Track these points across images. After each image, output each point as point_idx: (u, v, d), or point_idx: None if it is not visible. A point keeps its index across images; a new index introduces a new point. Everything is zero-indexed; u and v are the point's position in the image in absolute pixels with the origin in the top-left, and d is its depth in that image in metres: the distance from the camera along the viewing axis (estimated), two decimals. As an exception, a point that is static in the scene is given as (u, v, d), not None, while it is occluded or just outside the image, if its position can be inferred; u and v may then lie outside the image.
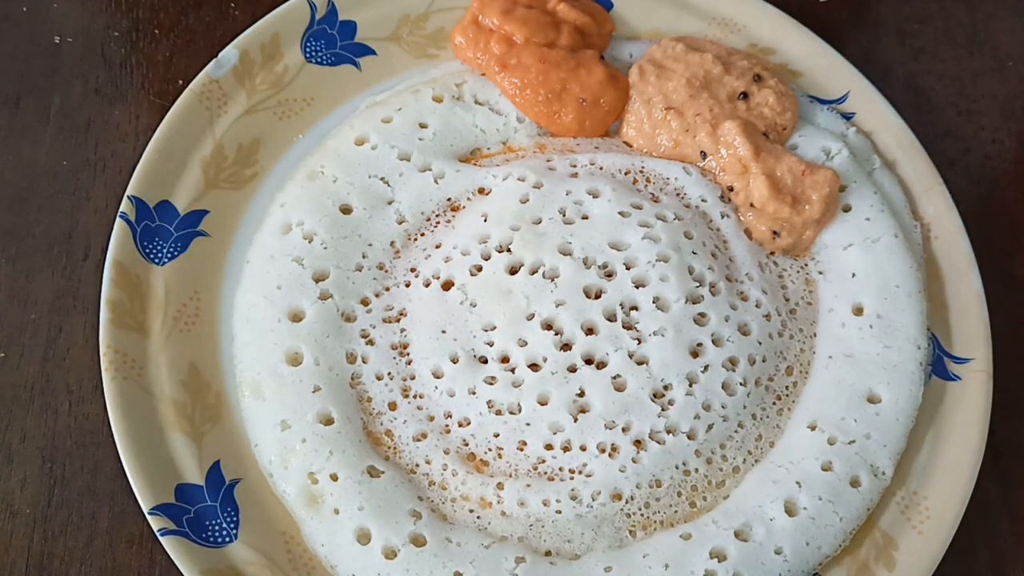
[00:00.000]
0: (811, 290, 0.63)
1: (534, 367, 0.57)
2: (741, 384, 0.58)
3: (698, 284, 0.59)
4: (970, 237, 0.65)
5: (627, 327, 0.57)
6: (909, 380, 0.59)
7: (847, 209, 0.63)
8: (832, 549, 0.55)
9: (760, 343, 0.59)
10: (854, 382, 0.59)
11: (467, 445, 0.56)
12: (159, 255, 0.60)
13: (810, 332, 0.61)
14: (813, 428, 0.58)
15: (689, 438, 0.56)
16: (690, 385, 0.57)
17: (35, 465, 0.60)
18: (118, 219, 0.59)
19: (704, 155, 0.64)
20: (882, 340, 0.60)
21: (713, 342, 0.58)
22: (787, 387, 0.60)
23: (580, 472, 0.55)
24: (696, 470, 0.56)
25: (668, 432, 0.56)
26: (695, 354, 0.58)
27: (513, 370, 0.57)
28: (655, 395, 0.57)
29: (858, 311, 0.61)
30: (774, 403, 0.59)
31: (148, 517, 0.53)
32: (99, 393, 0.58)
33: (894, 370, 0.59)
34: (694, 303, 0.59)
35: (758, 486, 0.56)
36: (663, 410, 0.56)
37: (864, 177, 0.65)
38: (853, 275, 0.62)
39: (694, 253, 0.60)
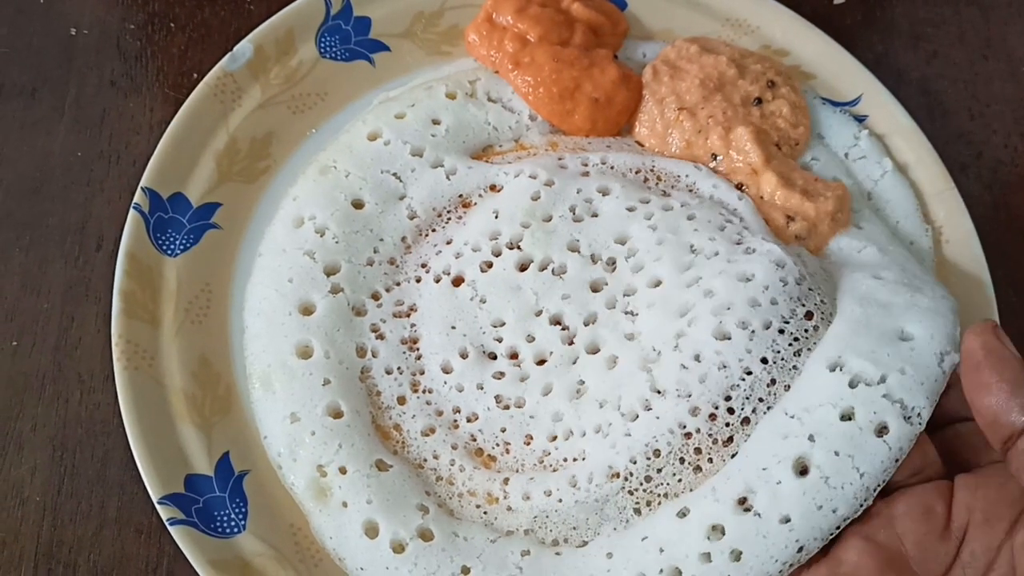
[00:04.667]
0: (829, 270, 0.59)
1: (541, 362, 0.57)
2: (740, 327, 0.53)
3: (696, 255, 0.57)
4: (981, 241, 0.64)
5: (625, 312, 0.57)
6: (944, 321, 0.52)
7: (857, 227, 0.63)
8: (851, 510, 0.48)
9: (767, 287, 0.54)
10: (883, 320, 0.52)
11: (475, 440, 0.56)
12: (171, 247, 0.60)
13: (831, 290, 0.56)
14: (834, 368, 0.51)
15: (679, 396, 0.53)
16: (676, 343, 0.54)
17: (45, 453, 0.60)
18: (131, 210, 0.59)
19: (715, 157, 0.64)
20: (911, 290, 0.54)
21: (704, 296, 0.55)
22: (805, 331, 0.54)
23: (580, 458, 0.54)
24: (697, 430, 0.52)
25: (655, 394, 0.53)
26: (684, 313, 0.55)
27: (520, 365, 0.57)
28: (644, 364, 0.54)
29: (878, 278, 0.57)
30: (790, 344, 0.53)
31: (157, 507, 0.53)
32: (110, 383, 0.58)
33: (926, 311, 0.53)
34: (687, 271, 0.56)
35: (765, 443, 0.51)
36: (649, 374, 0.54)
37: (871, 213, 0.64)
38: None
39: (695, 231, 0.58)
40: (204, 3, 0.74)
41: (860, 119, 0.69)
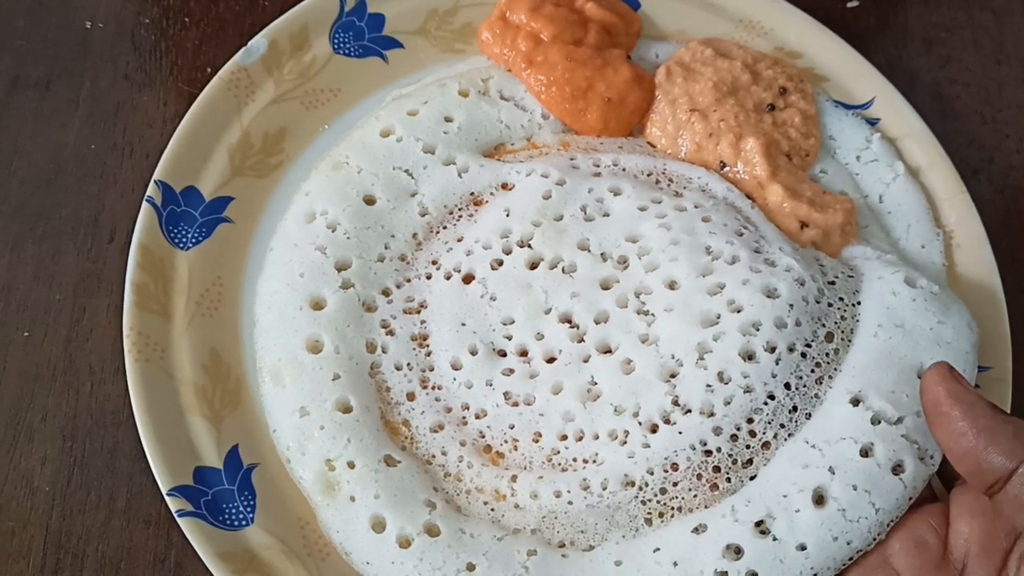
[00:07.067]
0: (853, 266, 0.60)
1: (551, 360, 0.57)
2: (766, 350, 0.54)
3: (714, 259, 0.57)
4: (992, 245, 0.64)
5: (639, 312, 0.57)
6: (964, 360, 0.53)
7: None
8: (864, 543, 0.50)
9: (791, 305, 0.55)
10: (906, 354, 0.53)
11: (483, 437, 0.56)
12: (184, 240, 0.60)
13: (852, 300, 0.57)
14: (856, 403, 0.52)
15: (703, 414, 0.53)
16: (701, 356, 0.54)
17: (56, 444, 0.60)
18: (144, 203, 0.60)
19: (723, 165, 0.63)
20: (937, 314, 0.55)
21: (729, 309, 0.55)
22: (827, 354, 0.54)
23: (592, 461, 0.54)
24: (718, 449, 0.52)
25: (678, 410, 0.54)
26: (708, 324, 0.55)
27: (530, 363, 0.57)
28: (664, 373, 0.54)
29: (911, 282, 0.57)
30: (812, 371, 0.54)
31: (166, 498, 0.54)
32: (121, 374, 0.58)
33: (948, 347, 0.53)
34: (707, 275, 0.56)
35: (786, 470, 0.52)
36: (672, 388, 0.54)
37: (879, 230, 0.64)
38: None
39: (712, 233, 0.58)
40: (219, -2, 0.74)
41: (872, 122, 0.69)
